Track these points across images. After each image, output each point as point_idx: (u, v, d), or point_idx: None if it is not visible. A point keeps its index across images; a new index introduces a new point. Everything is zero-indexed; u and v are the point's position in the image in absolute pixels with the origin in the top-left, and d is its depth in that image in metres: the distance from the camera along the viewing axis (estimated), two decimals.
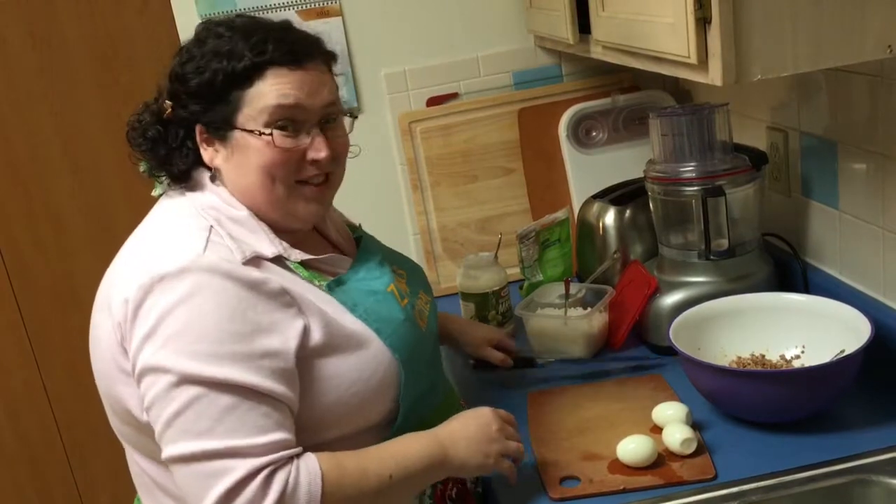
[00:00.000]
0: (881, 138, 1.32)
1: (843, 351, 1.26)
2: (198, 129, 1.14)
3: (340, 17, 1.94)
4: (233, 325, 1.01)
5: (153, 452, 1.09)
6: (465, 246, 2.01)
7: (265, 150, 1.10)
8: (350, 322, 1.12)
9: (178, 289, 1.01)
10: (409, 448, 1.11)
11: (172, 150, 1.15)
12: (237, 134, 1.11)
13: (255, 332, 1.02)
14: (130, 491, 1.27)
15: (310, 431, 1.08)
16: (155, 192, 1.23)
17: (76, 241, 2.16)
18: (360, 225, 1.38)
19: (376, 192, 2.01)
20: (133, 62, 2.05)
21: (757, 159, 1.53)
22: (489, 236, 1.97)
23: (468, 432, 1.16)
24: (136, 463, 1.17)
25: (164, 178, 1.18)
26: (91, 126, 2.09)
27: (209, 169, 1.16)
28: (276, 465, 1.00)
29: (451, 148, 2.00)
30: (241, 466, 0.98)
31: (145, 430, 1.07)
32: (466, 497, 1.25)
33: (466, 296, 1.70)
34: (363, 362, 1.11)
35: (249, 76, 1.10)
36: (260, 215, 1.14)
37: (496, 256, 1.73)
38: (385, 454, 1.10)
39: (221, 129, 1.12)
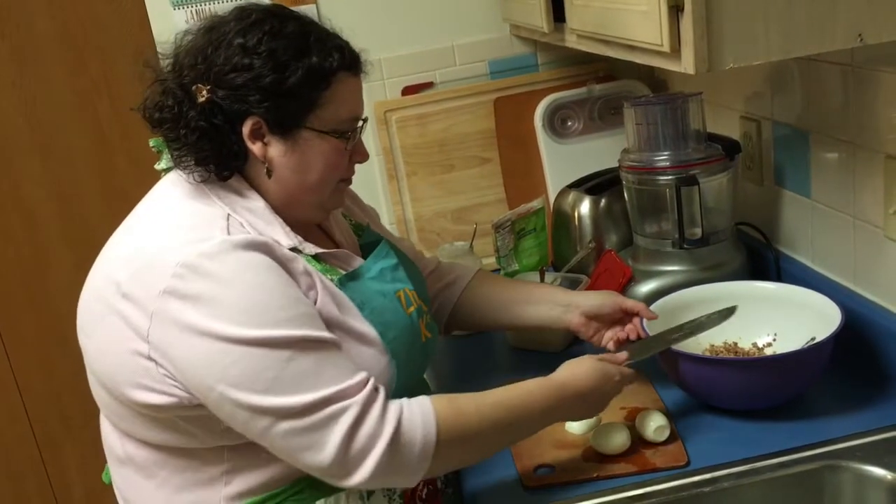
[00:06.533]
0: (852, 128, 1.33)
1: (813, 338, 1.27)
2: (251, 121, 1.09)
3: (314, 5, 1.93)
4: (289, 289, 1.04)
5: (135, 433, 1.10)
6: (441, 236, 2.01)
7: (331, 153, 1.13)
8: (356, 320, 1.11)
9: (225, 268, 1.00)
10: (531, 401, 1.13)
11: (210, 136, 1.08)
12: (305, 133, 1.11)
13: (302, 296, 1.05)
14: (103, 483, 1.26)
15: None
16: (160, 166, 1.20)
17: (47, 231, 2.13)
18: (368, 224, 1.36)
19: (352, 181, 1.99)
20: (104, 49, 2.02)
21: (730, 148, 1.54)
22: (465, 226, 1.97)
23: (591, 396, 1.18)
24: (116, 439, 1.15)
25: (188, 158, 1.11)
26: (62, 114, 2.06)
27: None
28: (386, 395, 1.04)
29: (427, 137, 1.99)
30: (355, 402, 1.01)
31: (143, 412, 1.06)
32: (436, 497, 1.25)
33: None
34: (361, 360, 1.10)
35: (328, 79, 1.10)
36: (281, 209, 1.13)
37: (472, 246, 1.73)
38: (509, 402, 1.12)
39: (286, 125, 1.10)
